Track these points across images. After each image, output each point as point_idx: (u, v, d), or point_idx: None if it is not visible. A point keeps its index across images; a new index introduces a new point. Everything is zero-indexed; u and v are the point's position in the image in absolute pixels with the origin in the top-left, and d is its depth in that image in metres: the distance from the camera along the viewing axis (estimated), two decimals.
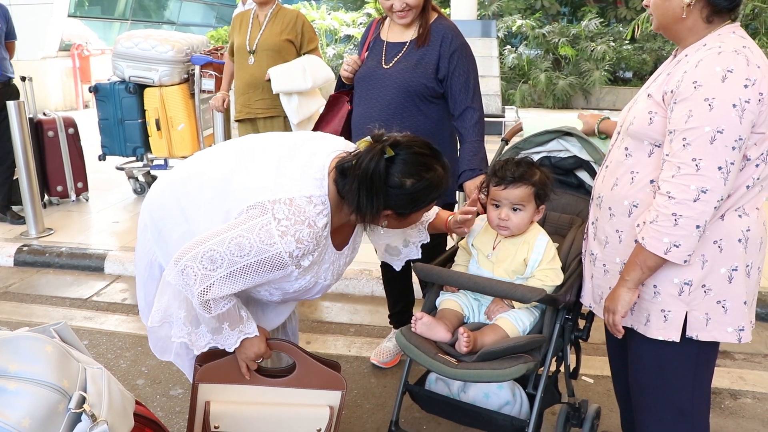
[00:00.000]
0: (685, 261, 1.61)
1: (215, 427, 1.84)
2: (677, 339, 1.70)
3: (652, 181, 1.69)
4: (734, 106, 1.51)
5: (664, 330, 1.71)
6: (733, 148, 1.52)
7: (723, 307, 1.67)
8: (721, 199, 1.55)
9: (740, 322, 1.68)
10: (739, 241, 1.64)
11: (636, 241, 1.68)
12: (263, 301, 1.97)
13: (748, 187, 1.62)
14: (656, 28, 1.75)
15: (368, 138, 1.73)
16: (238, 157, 1.85)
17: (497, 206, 2.04)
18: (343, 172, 1.71)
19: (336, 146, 1.84)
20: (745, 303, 1.68)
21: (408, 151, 1.70)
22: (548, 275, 1.98)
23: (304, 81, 4.04)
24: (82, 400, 1.27)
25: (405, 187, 1.69)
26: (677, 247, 1.58)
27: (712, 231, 1.62)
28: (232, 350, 1.81)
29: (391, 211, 1.74)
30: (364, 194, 1.67)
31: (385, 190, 1.68)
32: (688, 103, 1.56)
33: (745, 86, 1.51)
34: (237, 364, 1.87)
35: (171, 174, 1.97)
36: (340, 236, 1.88)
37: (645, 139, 1.71)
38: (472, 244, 2.12)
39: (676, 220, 1.56)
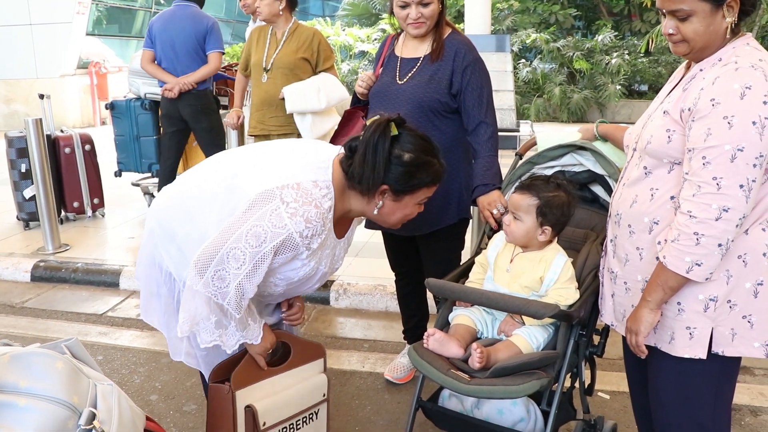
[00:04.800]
0: (707, 279, 1.59)
1: (263, 425, 1.92)
2: (704, 356, 1.67)
3: (672, 198, 1.68)
4: (754, 123, 1.49)
5: (689, 348, 1.69)
6: (755, 166, 1.51)
7: (749, 322, 1.65)
8: (743, 217, 1.53)
9: (767, 336, 1.66)
10: (764, 255, 1.62)
11: (657, 258, 1.66)
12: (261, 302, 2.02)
13: None
14: (688, 54, 1.67)
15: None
16: (243, 158, 1.92)
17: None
18: (351, 149, 1.80)
19: (338, 148, 1.93)
20: None
21: (411, 132, 1.83)
22: (562, 294, 1.96)
23: (318, 101, 4.02)
24: (92, 417, 1.28)
25: (403, 158, 1.77)
26: (699, 265, 1.57)
27: (737, 246, 1.60)
28: (258, 341, 1.87)
29: (388, 186, 1.79)
30: (369, 159, 1.75)
31: (387, 160, 1.76)
32: (706, 121, 1.55)
33: (764, 102, 1.50)
34: (253, 363, 1.94)
35: (177, 181, 2.02)
36: (340, 228, 1.93)
37: (664, 158, 1.69)
38: (491, 259, 2.12)
39: (698, 239, 1.55)
